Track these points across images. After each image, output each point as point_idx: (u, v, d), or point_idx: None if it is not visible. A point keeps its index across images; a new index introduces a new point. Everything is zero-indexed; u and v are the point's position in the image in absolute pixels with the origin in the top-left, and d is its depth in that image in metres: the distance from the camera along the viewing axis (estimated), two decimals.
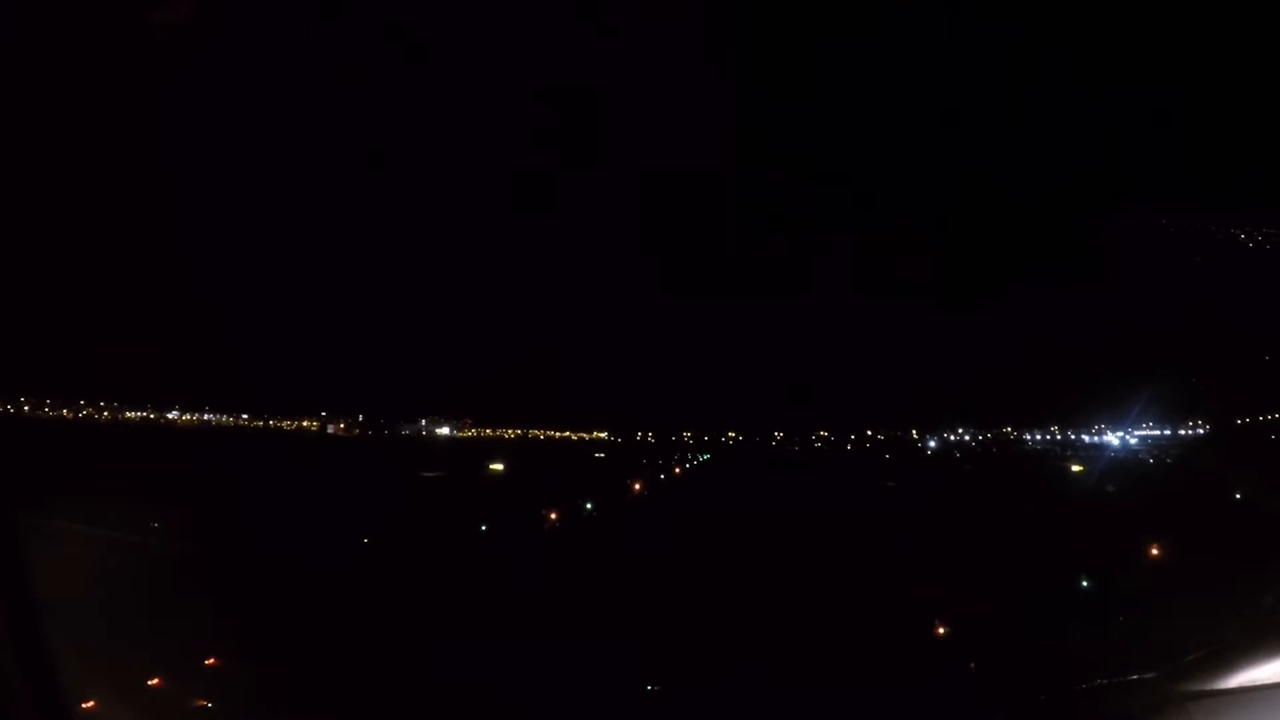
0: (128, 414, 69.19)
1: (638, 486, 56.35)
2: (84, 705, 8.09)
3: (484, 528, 40.49)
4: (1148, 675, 6.58)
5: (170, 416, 70.74)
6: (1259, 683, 5.85)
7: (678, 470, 66.42)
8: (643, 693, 19.76)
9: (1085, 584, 27.65)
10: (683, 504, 50.81)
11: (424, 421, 73.00)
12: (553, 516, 43.56)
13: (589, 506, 47.43)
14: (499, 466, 61.72)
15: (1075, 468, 58.06)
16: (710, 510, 45.68)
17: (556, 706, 18.14)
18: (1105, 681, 7.26)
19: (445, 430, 72.91)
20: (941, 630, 23.81)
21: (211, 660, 16.26)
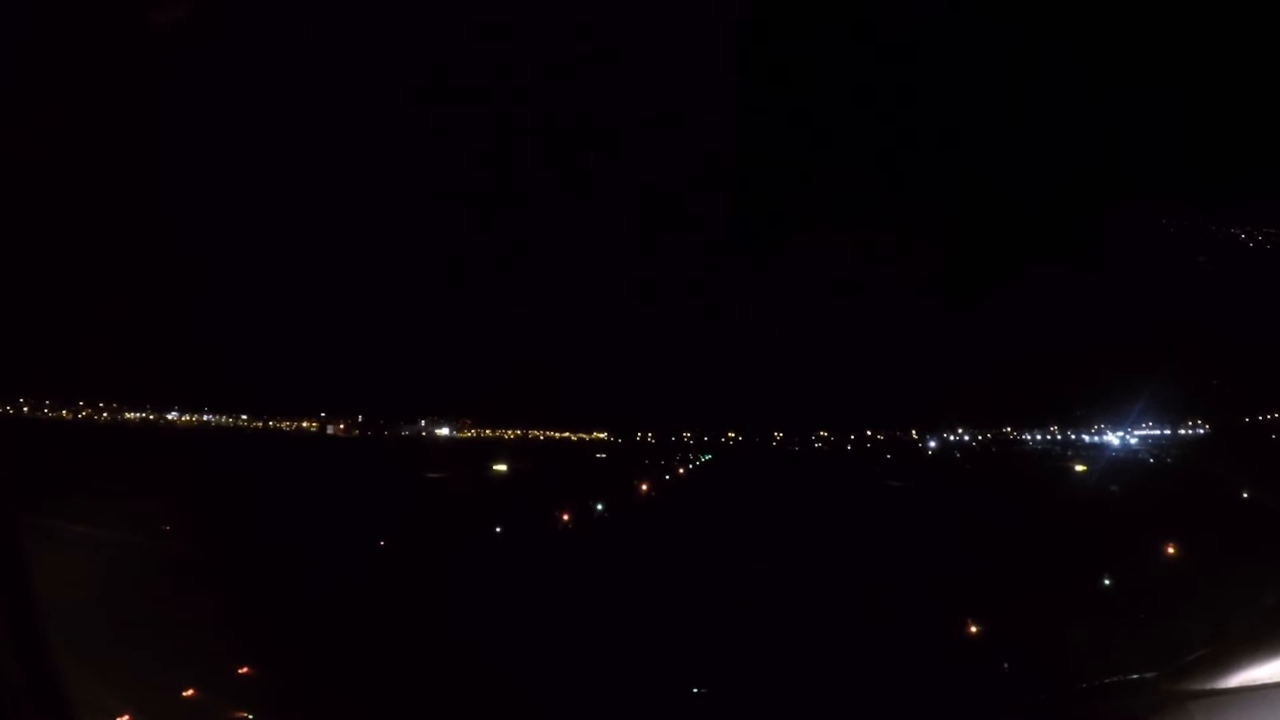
0: (128, 414, 69.28)
1: (640, 487, 56.32)
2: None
3: (484, 528, 40.48)
4: (1148, 675, 6.56)
5: (170, 416, 70.85)
6: (1259, 683, 5.85)
7: (680, 470, 66.39)
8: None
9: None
10: (684, 504, 50.80)
11: (424, 421, 73.06)
12: (552, 517, 43.56)
13: (588, 506, 47.43)
14: (501, 467, 61.78)
15: (1076, 468, 58.15)
16: (711, 510, 45.71)
17: (557, 707, 18.18)
18: (1105, 681, 7.25)
19: (445, 430, 72.97)
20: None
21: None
